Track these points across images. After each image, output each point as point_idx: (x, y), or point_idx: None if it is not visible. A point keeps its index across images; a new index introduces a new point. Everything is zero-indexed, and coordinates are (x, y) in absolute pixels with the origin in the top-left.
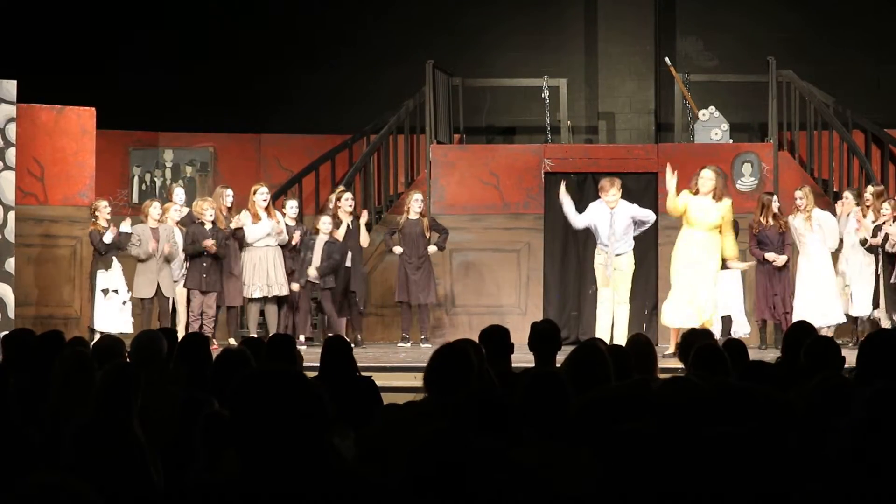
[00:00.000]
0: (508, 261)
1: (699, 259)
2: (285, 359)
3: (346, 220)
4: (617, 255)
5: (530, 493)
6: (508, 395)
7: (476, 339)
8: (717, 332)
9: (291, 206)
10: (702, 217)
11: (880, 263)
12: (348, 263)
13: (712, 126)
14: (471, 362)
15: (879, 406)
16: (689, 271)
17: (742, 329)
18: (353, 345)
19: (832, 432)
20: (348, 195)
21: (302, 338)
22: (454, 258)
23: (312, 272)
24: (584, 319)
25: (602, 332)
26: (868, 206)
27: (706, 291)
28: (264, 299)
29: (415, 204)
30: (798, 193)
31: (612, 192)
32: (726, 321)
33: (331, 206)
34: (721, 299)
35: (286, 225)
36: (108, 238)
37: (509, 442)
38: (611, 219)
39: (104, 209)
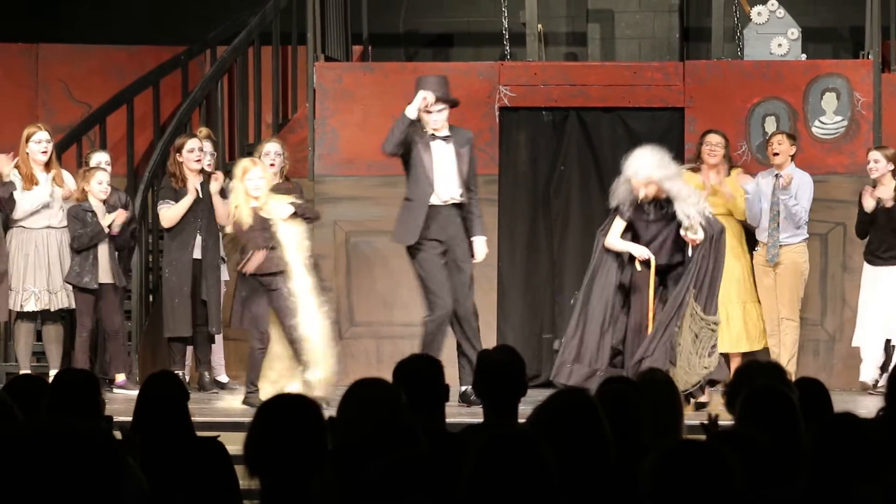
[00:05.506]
0: None
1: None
2: (80, 409)
3: (194, 181)
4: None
5: None
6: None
7: (389, 377)
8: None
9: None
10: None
11: None
12: (197, 254)
13: (774, 32)
14: (320, 430)
15: None
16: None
17: None
18: (198, 387)
19: None
20: (198, 144)
21: (122, 377)
22: (352, 247)
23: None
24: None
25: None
26: None
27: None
28: (42, 314)
29: (277, 159)
30: None
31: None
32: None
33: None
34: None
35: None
36: None
37: None
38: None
39: None
